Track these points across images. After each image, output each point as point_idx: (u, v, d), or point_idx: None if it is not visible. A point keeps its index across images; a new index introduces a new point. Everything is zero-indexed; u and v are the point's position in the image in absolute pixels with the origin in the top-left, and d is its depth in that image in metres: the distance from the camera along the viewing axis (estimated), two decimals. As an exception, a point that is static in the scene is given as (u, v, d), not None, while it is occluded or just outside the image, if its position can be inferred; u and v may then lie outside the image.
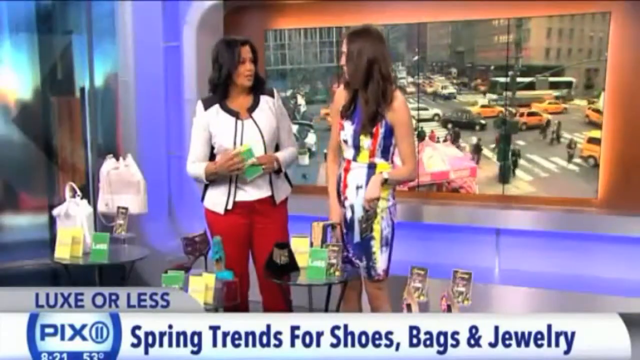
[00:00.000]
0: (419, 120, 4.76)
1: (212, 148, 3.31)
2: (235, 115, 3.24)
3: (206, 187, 3.36)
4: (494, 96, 4.57)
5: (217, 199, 3.30)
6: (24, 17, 5.41)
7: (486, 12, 4.53)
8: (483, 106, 4.61)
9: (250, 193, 3.27)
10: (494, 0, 4.48)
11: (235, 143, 3.22)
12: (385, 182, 3.06)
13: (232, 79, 3.22)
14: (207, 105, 3.27)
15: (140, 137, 5.03)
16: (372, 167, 3.12)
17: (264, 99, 3.30)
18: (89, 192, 5.04)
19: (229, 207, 3.27)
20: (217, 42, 3.28)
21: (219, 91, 3.25)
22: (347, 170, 3.18)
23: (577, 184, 4.42)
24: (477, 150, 4.66)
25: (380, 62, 3.02)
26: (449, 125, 4.71)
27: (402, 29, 4.68)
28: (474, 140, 4.65)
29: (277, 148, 3.36)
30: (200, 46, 4.93)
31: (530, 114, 4.50)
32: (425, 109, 4.76)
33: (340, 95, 3.22)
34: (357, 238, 3.14)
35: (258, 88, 3.31)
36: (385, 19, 4.67)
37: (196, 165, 3.29)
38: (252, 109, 3.27)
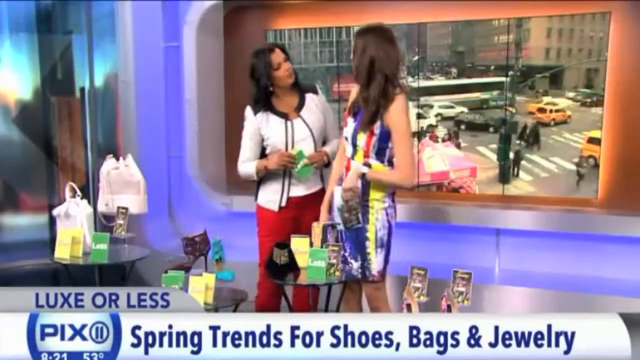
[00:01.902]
0: (444, 119, 4.74)
1: (263, 149, 3.40)
2: (285, 116, 3.35)
3: (258, 185, 3.45)
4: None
5: (271, 197, 3.41)
6: (24, 17, 5.42)
7: (486, 12, 4.52)
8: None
9: (303, 188, 3.38)
10: (494, 0, 4.48)
11: (287, 143, 3.33)
12: (363, 177, 3.03)
13: (274, 85, 3.31)
14: (256, 110, 3.36)
15: (140, 137, 5.03)
16: (367, 167, 3.09)
17: (309, 97, 3.41)
18: (89, 192, 5.04)
19: (283, 204, 3.38)
20: (250, 58, 3.35)
21: (263, 99, 3.34)
22: (347, 168, 3.15)
23: (576, 184, 4.42)
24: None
25: (384, 62, 2.98)
26: (462, 127, 4.70)
27: (402, 29, 4.67)
28: (495, 140, 4.61)
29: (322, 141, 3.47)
30: (200, 46, 4.92)
31: (557, 111, 4.46)
32: (452, 107, 4.75)
33: (354, 93, 3.19)
34: (341, 226, 3.12)
35: (300, 85, 3.41)
36: (385, 19, 4.59)
37: (246, 165, 3.41)
38: (299, 108, 3.37)
